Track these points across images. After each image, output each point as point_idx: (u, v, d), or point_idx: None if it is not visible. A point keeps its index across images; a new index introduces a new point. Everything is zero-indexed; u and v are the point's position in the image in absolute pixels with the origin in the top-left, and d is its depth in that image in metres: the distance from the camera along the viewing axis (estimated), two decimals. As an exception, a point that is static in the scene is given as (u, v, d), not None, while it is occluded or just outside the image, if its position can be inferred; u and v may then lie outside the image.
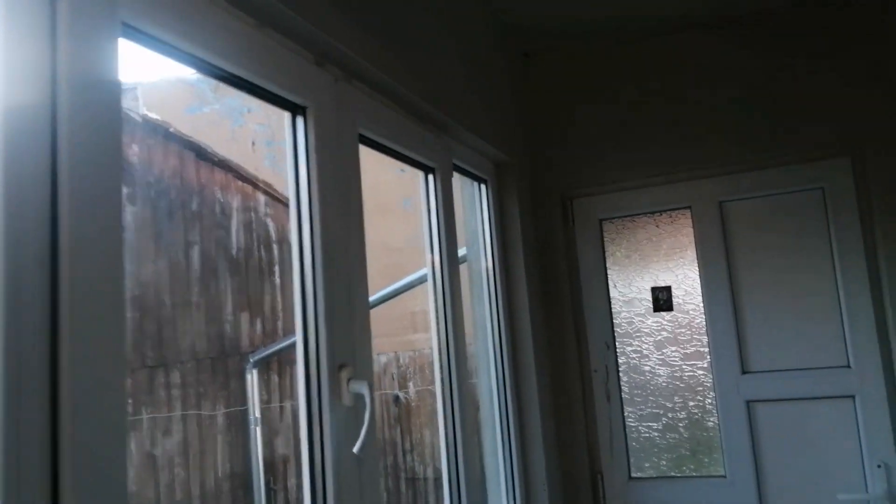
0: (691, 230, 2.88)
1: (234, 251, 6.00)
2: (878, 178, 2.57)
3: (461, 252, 2.70)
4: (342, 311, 1.54)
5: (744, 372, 2.77)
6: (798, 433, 2.68)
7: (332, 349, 1.49)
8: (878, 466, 2.54)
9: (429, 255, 2.27)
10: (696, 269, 2.87)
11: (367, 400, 1.47)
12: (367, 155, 1.82)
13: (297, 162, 1.59)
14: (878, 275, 2.58)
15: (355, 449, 1.42)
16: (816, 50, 2.68)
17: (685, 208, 2.90)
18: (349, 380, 1.49)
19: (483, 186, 2.77)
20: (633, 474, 2.91)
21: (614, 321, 3.00)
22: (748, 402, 2.76)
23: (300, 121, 1.59)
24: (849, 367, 2.63)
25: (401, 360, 6.57)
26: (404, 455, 6.46)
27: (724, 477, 2.77)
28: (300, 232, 1.55)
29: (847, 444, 2.61)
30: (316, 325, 1.49)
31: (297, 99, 1.56)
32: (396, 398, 6.51)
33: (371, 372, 1.61)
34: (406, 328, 6.33)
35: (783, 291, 2.73)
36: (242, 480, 5.39)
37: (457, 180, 2.65)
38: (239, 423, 5.54)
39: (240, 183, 6.19)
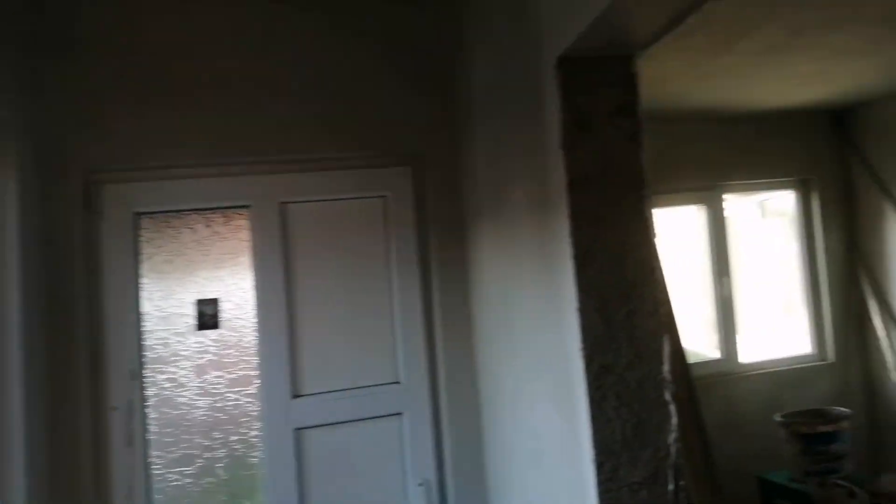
0: (249, 233, 2.50)
1: None
2: (434, 191, 2.60)
3: None
4: None
5: (294, 396, 2.48)
6: (348, 457, 2.52)
7: None
8: (420, 485, 2.51)
9: None
10: (251, 279, 2.49)
11: None
12: None
13: None
14: (430, 289, 2.59)
15: None
16: (388, 59, 2.60)
17: (243, 207, 2.50)
18: None
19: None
20: (158, 537, 2.33)
21: (146, 343, 2.42)
22: (297, 430, 2.48)
23: None
24: (399, 383, 2.57)
25: None
26: None
27: (267, 518, 2.42)
28: None
29: (394, 463, 2.55)
30: None
31: None
32: None
33: None
34: None
35: (342, 305, 2.56)
36: None
37: None
38: None
39: None
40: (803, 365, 4.04)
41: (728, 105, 3.63)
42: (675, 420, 1.55)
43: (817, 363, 4.06)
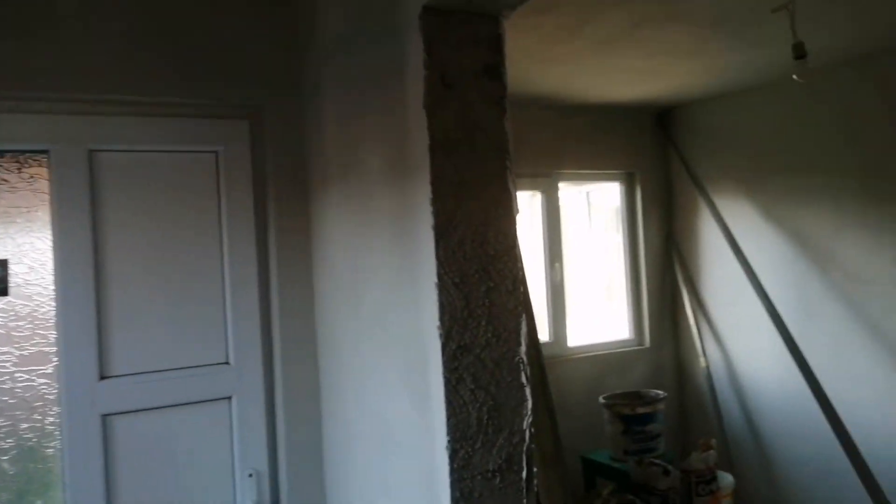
0: (48, 184, 2.11)
1: None
2: (275, 149, 2.34)
3: None
4: None
5: (102, 377, 2.16)
6: (167, 446, 2.26)
7: None
8: (250, 475, 2.30)
9: None
10: (49, 239, 2.11)
11: None
12: None
13: None
14: (267, 259, 2.36)
15: None
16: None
17: (42, 152, 2.12)
18: None
19: None
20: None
21: None
22: (105, 417, 2.18)
23: None
24: (228, 363, 2.32)
25: None
26: None
27: (64, 518, 2.09)
28: None
29: (221, 452, 2.32)
30: None
31: None
32: None
33: None
34: None
35: (163, 274, 2.27)
36: None
37: None
38: None
39: None
40: (624, 349, 4.29)
41: (566, 95, 3.73)
42: (530, 403, 1.49)
43: (636, 348, 4.33)
